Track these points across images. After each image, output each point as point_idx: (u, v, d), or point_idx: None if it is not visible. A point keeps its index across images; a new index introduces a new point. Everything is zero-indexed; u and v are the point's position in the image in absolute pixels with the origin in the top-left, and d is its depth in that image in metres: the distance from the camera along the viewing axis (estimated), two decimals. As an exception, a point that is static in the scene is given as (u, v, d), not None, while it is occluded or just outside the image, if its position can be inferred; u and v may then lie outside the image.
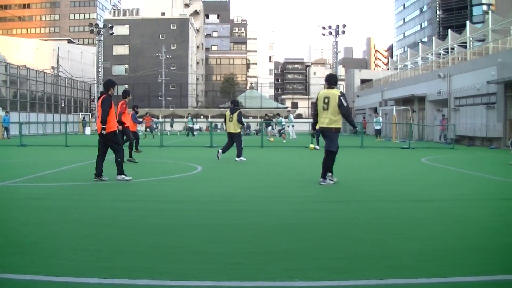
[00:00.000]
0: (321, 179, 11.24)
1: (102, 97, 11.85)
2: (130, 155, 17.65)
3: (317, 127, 11.47)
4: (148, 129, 40.82)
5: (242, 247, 5.58)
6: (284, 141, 33.66)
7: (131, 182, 11.58)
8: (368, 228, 6.71)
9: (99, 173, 11.81)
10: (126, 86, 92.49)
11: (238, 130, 18.32)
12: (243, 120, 18.47)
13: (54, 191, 10.17)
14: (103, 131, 11.42)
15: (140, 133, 32.12)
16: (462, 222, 7.17)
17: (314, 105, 11.47)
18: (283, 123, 37.01)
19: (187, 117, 63.81)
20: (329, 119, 11.00)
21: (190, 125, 47.99)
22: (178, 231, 6.42)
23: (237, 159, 18.05)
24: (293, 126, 40.56)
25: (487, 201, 9.37)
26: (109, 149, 11.85)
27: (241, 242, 5.81)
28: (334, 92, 11.07)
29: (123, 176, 11.78)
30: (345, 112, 11.03)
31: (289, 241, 5.89)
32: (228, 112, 18.55)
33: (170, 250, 5.41)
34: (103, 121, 11.49)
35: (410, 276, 4.57)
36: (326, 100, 11.02)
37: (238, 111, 18.40)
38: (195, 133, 48.25)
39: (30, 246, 5.51)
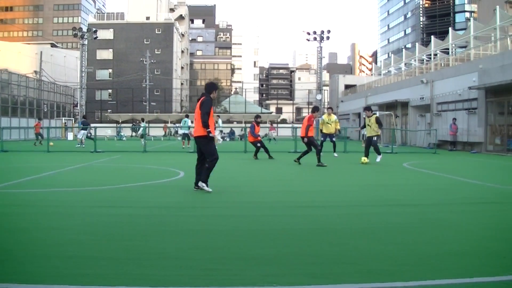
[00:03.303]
0: None
1: (202, 98, 10.93)
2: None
3: None
4: (39, 136, 38.80)
5: (220, 253, 5.56)
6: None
7: (110, 188, 11.52)
8: (347, 233, 6.74)
9: (197, 181, 10.99)
10: (110, 91, 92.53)
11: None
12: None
13: (31, 198, 10.09)
14: (209, 134, 10.64)
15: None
16: (441, 226, 7.21)
17: None
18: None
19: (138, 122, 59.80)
20: None
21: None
22: (155, 237, 6.40)
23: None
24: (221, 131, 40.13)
25: (466, 205, 9.41)
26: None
27: (219, 248, 5.79)
28: None
29: (204, 184, 10.75)
30: None
31: (267, 246, 5.89)
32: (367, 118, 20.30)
33: (146, 257, 5.38)
34: (206, 124, 10.64)
35: (387, 280, 4.61)
36: None
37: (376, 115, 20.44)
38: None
39: (3, 254, 5.46)
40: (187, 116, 36.28)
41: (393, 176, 15.64)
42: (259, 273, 4.82)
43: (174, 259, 5.31)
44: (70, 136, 54.40)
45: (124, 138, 54.67)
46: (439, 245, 6.03)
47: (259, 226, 7.15)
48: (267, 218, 7.80)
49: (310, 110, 24.08)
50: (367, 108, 20.91)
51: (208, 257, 5.37)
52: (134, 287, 4.41)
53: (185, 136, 33.11)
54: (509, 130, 29.75)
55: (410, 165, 19.31)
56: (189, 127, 32.79)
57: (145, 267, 4.99)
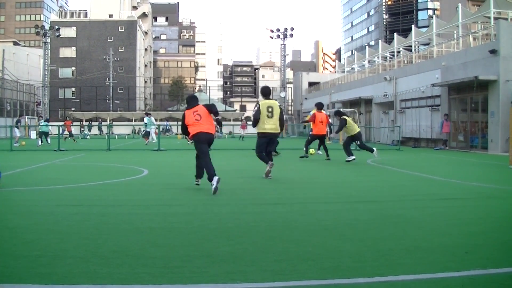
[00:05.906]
0: None
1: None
2: None
3: None
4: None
5: (184, 251, 5.54)
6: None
7: (75, 187, 11.39)
8: (309, 229, 6.76)
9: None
10: (73, 89, 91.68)
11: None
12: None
13: (-5, 197, 9.92)
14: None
15: None
16: (402, 222, 7.29)
17: None
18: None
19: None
20: None
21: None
22: (120, 235, 6.35)
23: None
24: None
25: (429, 201, 9.49)
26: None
27: (183, 246, 5.77)
28: None
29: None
30: None
31: (231, 244, 5.88)
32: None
33: (111, 255, 5.34)
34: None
35: (350, 276, 4.62)
36: None
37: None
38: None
39: (-34, 254, 5.35)
40: (147, 114, 36.59)
41: (357, 173, 15.69)
42: (223, 270, 4.82)
43: (139, 257, 5.27)
44: (33, 135, 53.85)
45: (87, 137, 54.29)
46: (402, 241, 6.09)
47: (223, 224, 7.13)
48: (231, 215, 7.79)
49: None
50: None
51: (173, 255, 5.35)
52: (101, 285, 4.37)
53: (147, 134, 33.50)
54: (471, 127, 30.14)
55: (374, 162, 19.47)
56: (149, 125, 33.22)
57: (111, 265, 4.96)
